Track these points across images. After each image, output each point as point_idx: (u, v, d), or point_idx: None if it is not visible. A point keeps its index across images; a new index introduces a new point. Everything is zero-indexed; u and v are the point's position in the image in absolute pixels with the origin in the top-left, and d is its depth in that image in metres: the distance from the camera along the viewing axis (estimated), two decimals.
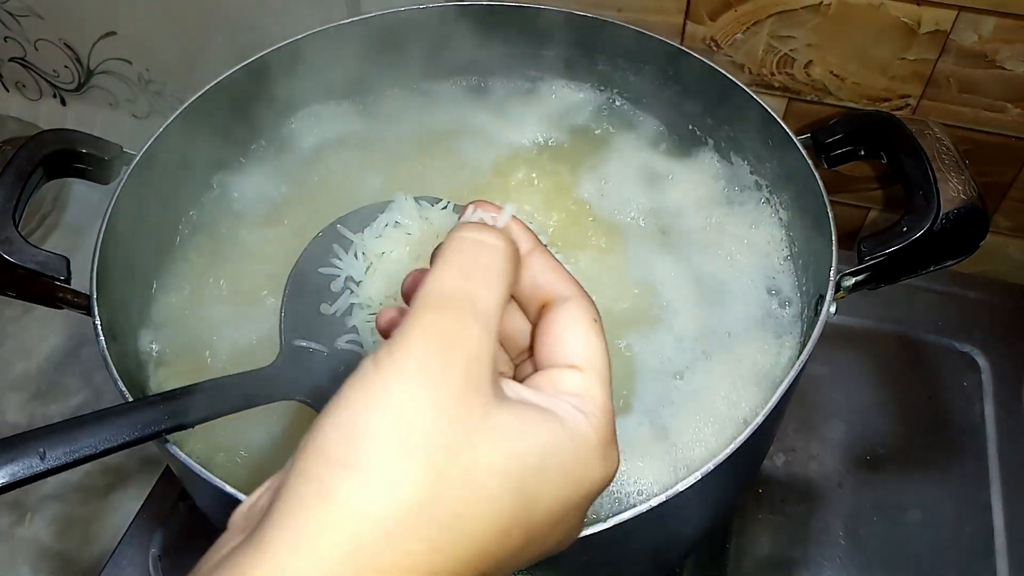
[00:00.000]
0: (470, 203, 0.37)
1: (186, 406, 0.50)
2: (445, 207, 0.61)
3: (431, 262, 0.33)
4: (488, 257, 0.32)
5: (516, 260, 0.33)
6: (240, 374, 0.54)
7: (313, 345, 0.57)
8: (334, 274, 0.59)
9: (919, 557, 0.74)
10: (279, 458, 0.61)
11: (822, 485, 0.78)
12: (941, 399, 0.83)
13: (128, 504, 0.81)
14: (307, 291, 0.59)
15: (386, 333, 0.39)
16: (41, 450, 0.43)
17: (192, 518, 0.76)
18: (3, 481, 0.42)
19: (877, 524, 0.76)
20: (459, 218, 0.37)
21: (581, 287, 0.36)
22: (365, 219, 0.61)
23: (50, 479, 0.42)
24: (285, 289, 0.59)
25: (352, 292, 0.58)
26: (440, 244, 0.33)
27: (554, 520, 0.31)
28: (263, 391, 0.54)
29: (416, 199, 0.61)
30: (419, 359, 0.28)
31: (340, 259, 0.59)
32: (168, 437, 0.52)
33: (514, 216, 0.37)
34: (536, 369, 0.35)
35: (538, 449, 0.30)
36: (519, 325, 0.37)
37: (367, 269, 0.59)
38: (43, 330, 0.98)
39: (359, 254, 0.59)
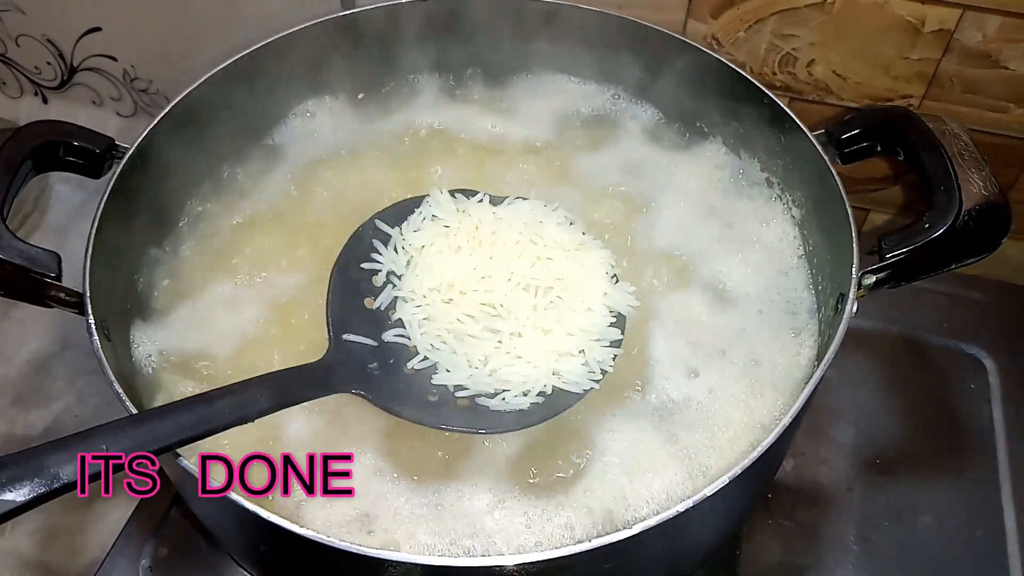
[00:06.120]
0: None
1: (248, 400, 0.49)
2: (481, 200, 0.61)
3: None
4: None
5: None
6: (293, 368, 0.54)
7: (361, 339, 0.57)
8: (375, 269, 0.59)
9: (932, 561, 0.73)
10: None
11: (832, 489, 0.77)
12: (949, 401, 0.83)
13: (116, 512, 0.77)
14: (350, 286, 0.59)
15: None
16: (103, 446, 0.42)
17: (186, 527, 0.73)
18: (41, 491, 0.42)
19: (889, 528, 0.75)
20: None
21: None
22: (402, 214, 0.61)
23: None
24: (329, 285, 0.59)
25: (394, 286, 0.59)
26: None
27: None
28: (318, 385, 0.54)
29: (452, 192, 0.61)
30: None
31: (380, 254, 0.60)
32: None
33: None
34: None
35: None
36: None
37: (408, 263, 0.59)
38: (23, 333, 0.95)
39: (399, 248, 0.60)
